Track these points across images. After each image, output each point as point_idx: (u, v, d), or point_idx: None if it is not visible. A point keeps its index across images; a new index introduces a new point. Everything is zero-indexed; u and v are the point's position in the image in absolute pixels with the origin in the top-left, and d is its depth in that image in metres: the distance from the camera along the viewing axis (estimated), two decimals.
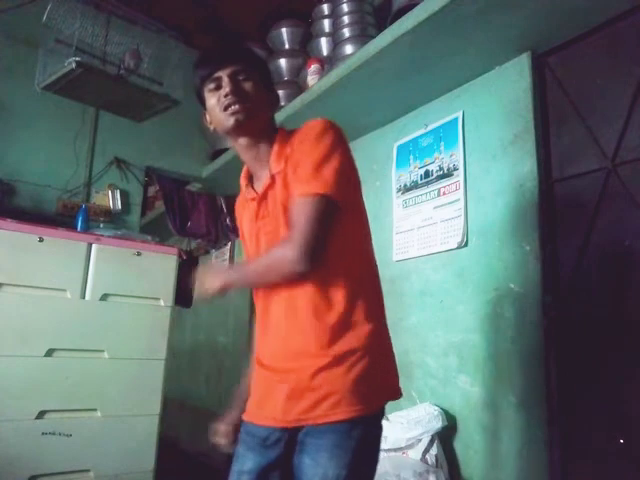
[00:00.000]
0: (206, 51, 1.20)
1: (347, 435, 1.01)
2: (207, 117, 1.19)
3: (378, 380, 1.08)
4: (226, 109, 1.09)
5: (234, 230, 3.53)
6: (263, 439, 1.09)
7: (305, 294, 1.05)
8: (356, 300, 1.06)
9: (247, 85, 1.11)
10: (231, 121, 1.09)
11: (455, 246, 2.10)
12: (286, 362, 1.08)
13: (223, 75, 1.10)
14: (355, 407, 1.01)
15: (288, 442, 1.07)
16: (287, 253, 0.99)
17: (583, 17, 1.76)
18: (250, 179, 1.21)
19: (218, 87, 1.11)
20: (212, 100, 1.12)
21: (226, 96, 1.09)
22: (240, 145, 1.16)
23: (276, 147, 1.12)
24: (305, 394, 1.03)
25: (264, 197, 1.12)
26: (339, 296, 1.05)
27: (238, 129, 1.11)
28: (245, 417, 1.15)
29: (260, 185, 1.15)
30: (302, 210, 1.00)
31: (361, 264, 1.13)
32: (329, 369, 1.02)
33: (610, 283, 1.68)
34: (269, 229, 1.11)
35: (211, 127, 1.19)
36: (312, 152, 1.04)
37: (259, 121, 1.13)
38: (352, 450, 1.01)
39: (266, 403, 1.10)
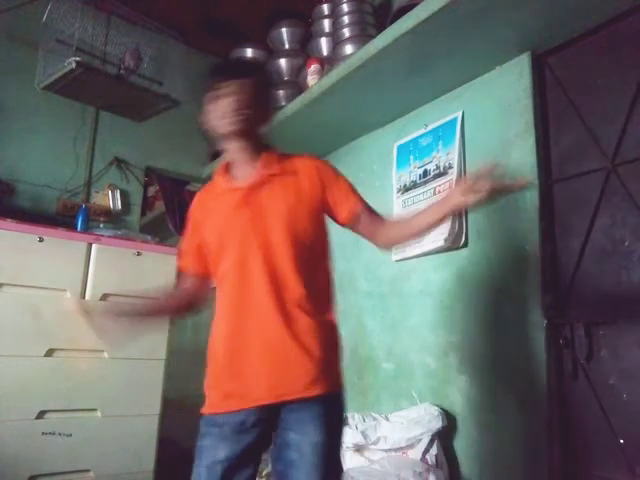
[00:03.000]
0: (219, 63, 1.39)
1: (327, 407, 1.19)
2: (205, 117, 1.30)
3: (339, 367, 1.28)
4: (225, 117, 1.24)
5: None
6: (239, 424, 1.17)
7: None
8: None
9: (246, 100, 1.24)
10: (228, 128, 1.24)
11: (442, 244, 2.09)
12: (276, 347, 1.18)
13: (227, 87, 1.24)
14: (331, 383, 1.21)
15: (265, 421, 1.18)
16: None
17: (583, 17, 1.76)
18: (227, 172, 1.34)
19: (222, 96, 1.23)
20: (213, 105, 1.26)
21: (229, 105, 1.23)
22: (233, 149, 1.31)
23: (267, 157, 1.30)
24: (288, 369, 1.17)
25: (253, 191, 1.26)
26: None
27: (233, 135, 1.26)
28: (210, 410, 1.22)
29: (244, 181, 1.28)
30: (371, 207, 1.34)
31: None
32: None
33: (610, 283, 1.68)
34: (250, 217, 1.24)
35: (207, 125, 1.30)
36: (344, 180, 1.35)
37: (251, 130, 1.29)
38: (332, 419, 1.20)
39: (243, 387, 1.18)
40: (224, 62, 1.39)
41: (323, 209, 1.30)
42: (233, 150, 1.31)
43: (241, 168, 1.31)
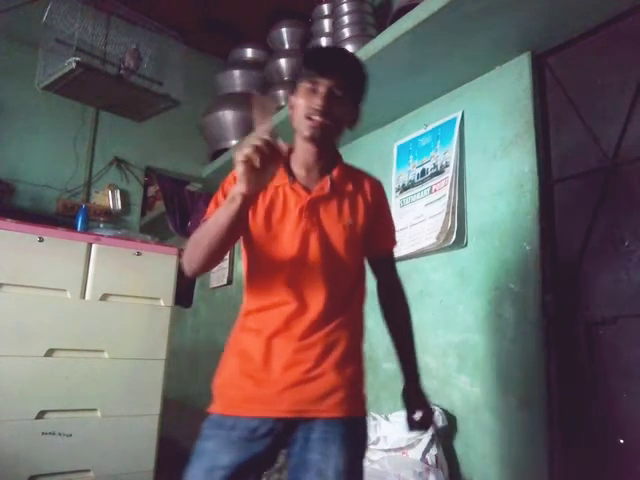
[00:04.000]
0: (319, 50, 1.22)
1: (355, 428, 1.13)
2: (290, 104, 1.20)
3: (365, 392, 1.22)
4: (308, 118, 1.12)
5: None
6: (251, 431, 1.07)
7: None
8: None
9: (338, 105, 1.14)
10: (307, 133, 1.14)
11: (434, 241, 2.09)
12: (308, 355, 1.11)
13: (324, 85, 1.12)
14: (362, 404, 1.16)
15: (280, 435, 1.08)
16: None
17: (583, 17, 1.76)
18: (287, 165, 1.22)
19: (314, 92, 1.13)
20: (303, 100, 1.14)
21: (314, 107, 1.12)
22: (305, 148, 1.20)
23: (339, 169, 1.22)
24: (314, 384, 1.09)
25: (318, 200, 1.17)
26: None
27: (309, 141, 1.16)
28: (223, 410, 1.13)
29: (310, 181, 1.19)
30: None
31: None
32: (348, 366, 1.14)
33: (610, 283, 1.68)
34: (309, 229, 1.15)
35: (289, 112, 1.21)
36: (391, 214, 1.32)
37: (330, 139, 1.21)
38: (359, 441, 1.14)
39: (266, 394, 1.09)
40: (329, 51, 1.22)
41: (365, 236, 1.24)
42: (305, 150, 1.20)
43: (305, 169, 1.20)
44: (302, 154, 1.21)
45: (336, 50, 1.21)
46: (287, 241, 1.15)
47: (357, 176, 1.27)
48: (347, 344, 1.15)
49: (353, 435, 1.11)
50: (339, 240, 1.17)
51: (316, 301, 1.13)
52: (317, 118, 1.11)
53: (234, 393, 1.14)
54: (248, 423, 1.08)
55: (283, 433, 1.09)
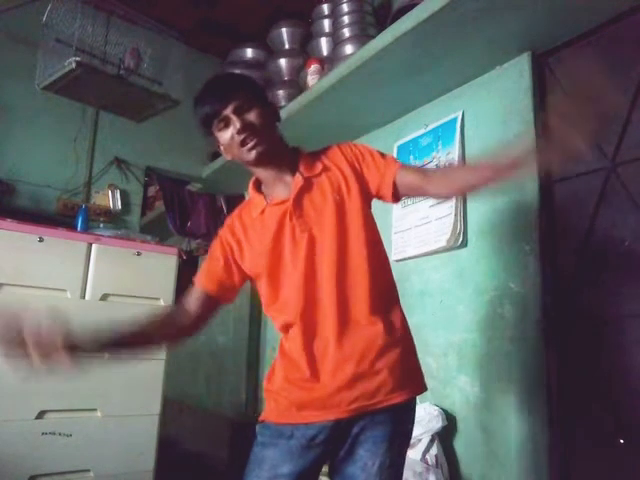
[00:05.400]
0: (205, 90, 1.22)
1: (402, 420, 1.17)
2: (221, 147, 1.22)
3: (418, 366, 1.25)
4: (243, 145, 1.15)
5: None
6: (309, 439, 1.10)
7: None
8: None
9: (252, 115, 1.16)
10: (252, 156, 1.16)
11: (444, 244, 2.09)
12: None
13: (228, 113, 1.15)
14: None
15: (335, 437, 1.11)
16: None
17: (583, 17, 1.76)
18: (259, 189, 1.27)
19: (227, 125, 1.16)
20: (225, 136, 1.17)
21: (239, 133, 1.14)
22: (261, 170, 1.23)
23: (303, 161, 1.23)
24: (364, 381, 1.10)
25: (299, 198, 1.18)
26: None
27: (259, 161, 1.18)
28: (277, 418, 1.15)
29: (286, 191, 1.21)
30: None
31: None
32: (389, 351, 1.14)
33: (610, 283, 1.68)
34: (304, 227, 1.17)
35: (227, 157, 1.23)
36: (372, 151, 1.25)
37: (274, 144, 1.20)
38: (404, 435, 1.18)
39: (315, 396, 1.11)
40: (210, 86, 1.21)
41: (369, 194, 1.22)
42: (262, 171, 1.23)
43: (274, 186, 1.23)
44: (263, 176, 1.24)
45: (211, 81, 1.23)
46: (290, 250, 1.17)
47: (322, 155, 1.25)
48: (386, 328, 1.15)
49: (400, 430, 1.15)
50: (335, 220, 1.16)
51: (333, 297, 1.13)
52: (249, 139, 1.14)
53: (287, 401, 1.15)
54: (306, 432, 1.11)
55: (339, 435, 1.11)
